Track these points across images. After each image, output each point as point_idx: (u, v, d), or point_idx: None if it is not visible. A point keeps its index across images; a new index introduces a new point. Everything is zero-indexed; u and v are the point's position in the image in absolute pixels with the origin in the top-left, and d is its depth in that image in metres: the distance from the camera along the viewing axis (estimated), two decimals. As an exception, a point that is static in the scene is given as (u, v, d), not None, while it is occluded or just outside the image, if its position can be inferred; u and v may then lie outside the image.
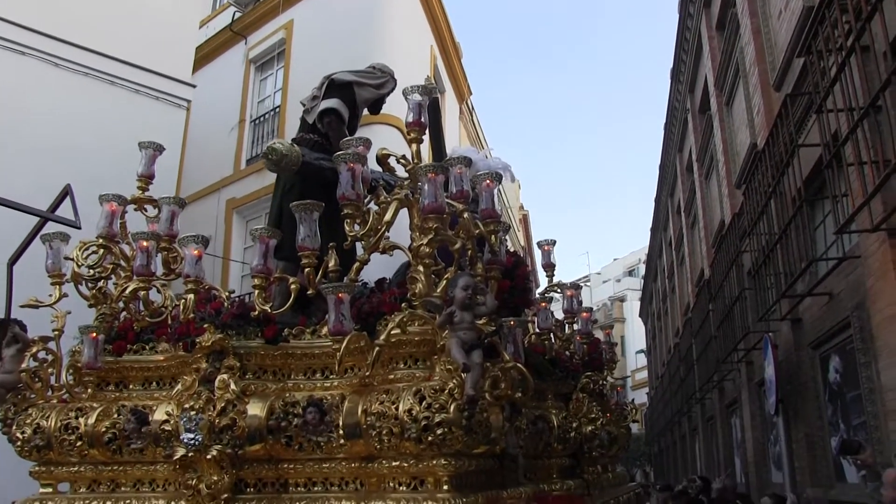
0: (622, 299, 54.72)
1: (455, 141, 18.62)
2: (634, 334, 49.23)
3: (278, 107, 14.99)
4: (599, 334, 8.15)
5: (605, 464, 6.61)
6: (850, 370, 7.95)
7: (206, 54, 16.35)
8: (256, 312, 4.66)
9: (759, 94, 10.60)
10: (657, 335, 33.32)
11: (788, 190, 8.21)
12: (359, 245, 4.63)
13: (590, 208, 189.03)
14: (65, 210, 8.03)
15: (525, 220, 39.91)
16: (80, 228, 5.51)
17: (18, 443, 4.99)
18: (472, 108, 22.93)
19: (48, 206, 8.22)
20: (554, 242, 7.00)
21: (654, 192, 27.97)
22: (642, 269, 44.80)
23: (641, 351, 45.13)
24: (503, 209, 25.33)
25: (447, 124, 17.34)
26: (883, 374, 6.81)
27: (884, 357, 6.77)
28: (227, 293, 5.64)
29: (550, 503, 5.38)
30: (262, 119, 15.53)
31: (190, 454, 4.28)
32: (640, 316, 43.34)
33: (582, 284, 8.05)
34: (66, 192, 6.94)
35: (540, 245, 7.03)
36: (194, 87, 13.58)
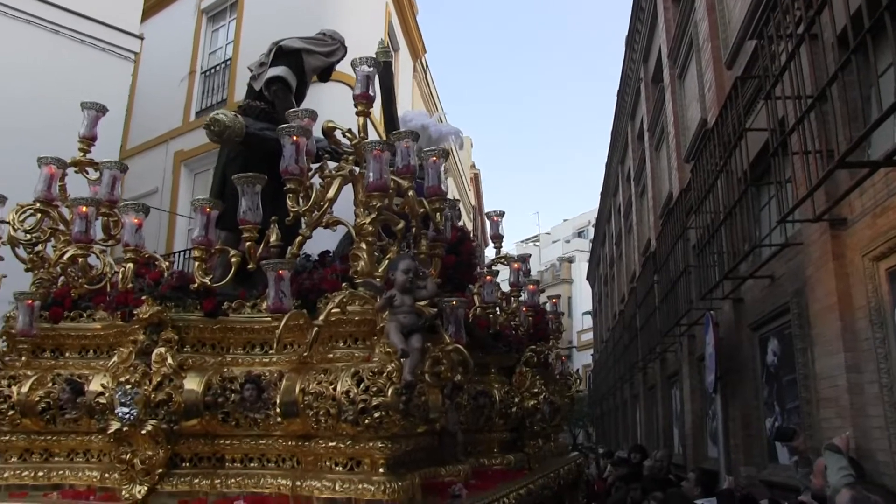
0: (571, 260, 55.18)
1: (408, 99, 18.49)
2: (582, 295, 49.69)
3: (229, 59, 14.76)
4: (546, 297, 8.15)
5: (546, 434, 6.64)
6: (787, 354, 8.10)
7: (156, 3, 16.04)
8: (196, 285, 4.59)
9: (711, 71, 10.63)
10: (603, 299, 33.65)
11: (735, 170, 8.27)
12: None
13: (542, 168, 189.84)
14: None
15: (476, 179, 39.91)
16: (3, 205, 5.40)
17: (-55, 411, 4.85)
18: (427, 66, 22.79)
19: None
20: (503, 213, 6.97)
21: (605, 156, 28.08)
22: (591, 232, 45.09)
23: (588, 312, 45.53)
24: (453, 173, 25.26)
25: (401, 83, 17.20)
26: (817, 362, 6.96)
27: (819, 345, 6.91)
28: (166, 263, 5.51)
29: (490, 479, 5.41)
30: (212, 71, 15.31)
31: (124, 429, 4.21)
32: (587, 279, 43.65)
33: (528, 255, 8.01)
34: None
35: (489, 216, 7.00)
36: (142, 39, 13.26)
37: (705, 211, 9.80)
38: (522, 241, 63.34)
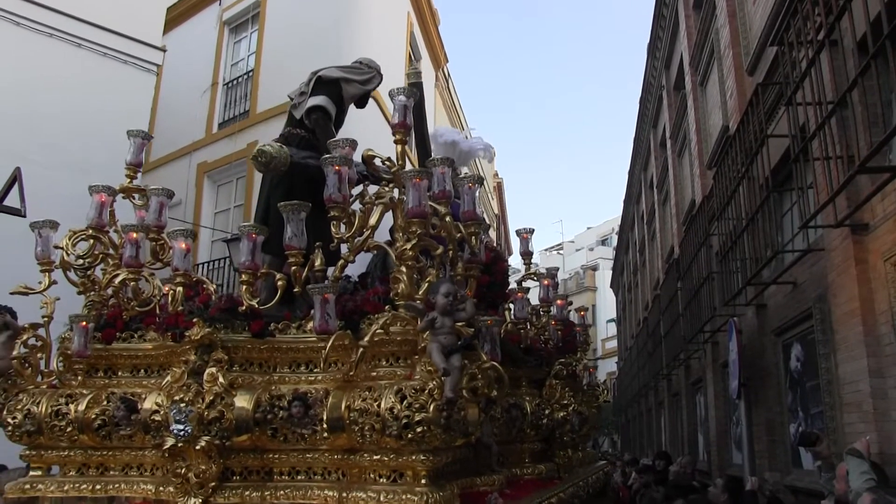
0: (594, 268, 55.09)
1: (430, 109, 18.59)
2: (606, 303, 49.52)
3: (251, 70, 14.94)
4: (574, 311, 8.27)
5: (575, 444, 6.81)
6: (810, 360, 8.16)
7: (178, 15, 16.24)
8: (244, 307, 4.82)
9: (733, 77, 10.69)
10: (627, 307, 33.59)
11: (757, 177, 8.34)
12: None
13: (565, 175, 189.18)
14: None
15: (499, 188, 40.01)
16: (24, 216, 5.56)
17: (9, 427, 5.11)
18: (449, 75, 22.92)
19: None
20: (532, 231, 7.09)
21: (628, 163, 28.11)
22: (615, 239, 44.97)
23: (612, 320, 45.42)
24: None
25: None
26: (840, 367, 7.03)
27: (842, 350, 6.98)
28: (214, 285, 5.75)
29: (523, 488, 5.60)
30: (235, 82, 15.47)
31: (179, 444, 4.44)
32: (611, 287, 43.57)
33: (556, 268, 8.12)
34: (15, 178, 6.81)
35: (519, 233, 7.14)
36: (164, 51, 13.37)
37: (728, 217, 9.87)
38: (546, 250, 63.14)
